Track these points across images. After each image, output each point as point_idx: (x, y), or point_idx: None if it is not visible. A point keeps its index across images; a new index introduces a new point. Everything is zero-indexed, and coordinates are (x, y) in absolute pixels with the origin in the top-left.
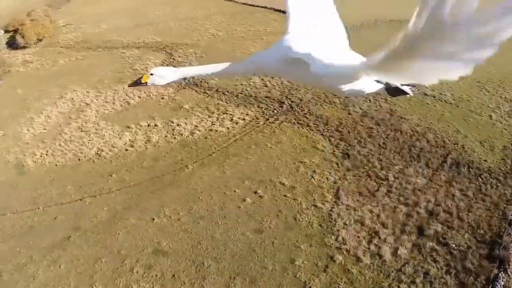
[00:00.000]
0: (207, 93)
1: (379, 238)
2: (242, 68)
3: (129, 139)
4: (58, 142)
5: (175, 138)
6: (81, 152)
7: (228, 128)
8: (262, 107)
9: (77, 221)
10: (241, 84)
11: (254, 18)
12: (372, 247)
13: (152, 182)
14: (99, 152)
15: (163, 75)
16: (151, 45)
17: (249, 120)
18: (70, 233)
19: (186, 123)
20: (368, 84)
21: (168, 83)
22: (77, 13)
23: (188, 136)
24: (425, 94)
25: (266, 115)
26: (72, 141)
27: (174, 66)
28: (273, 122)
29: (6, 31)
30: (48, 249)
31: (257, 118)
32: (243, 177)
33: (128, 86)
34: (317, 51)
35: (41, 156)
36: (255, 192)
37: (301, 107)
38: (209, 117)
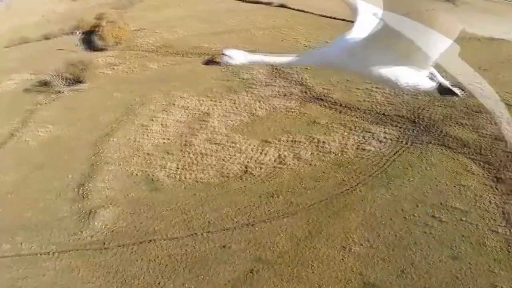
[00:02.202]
0: (333, 108)
1: None
2: (305, 61)
3: (275, 156)
4: (189, 155)
5: (325, 156)
6: (225, 168)
7: (377, 147)
8: (399, 126)
9: (255, 251)
10: (364, 101)
11: (340, 31)
12: None
13: (324, 205)
14: (245, 169)
15: (233, 56)
16: None
17: (394, 140)
18: (252, 265)
19: (330, 141)
20: (420, 80)
21: (237, 64)
22: (144, 17)
23: (340, 154)
24: None
25: (406, 134)
26: (207, 154)
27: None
28: (416, 143)
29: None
30: (231, 286)
31: (399, 138)
32: (414, 200)
33: (203, 64)
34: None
35: (174, 170)
36: (433, 216)
37: (436, 127)
38: (351, 134)
